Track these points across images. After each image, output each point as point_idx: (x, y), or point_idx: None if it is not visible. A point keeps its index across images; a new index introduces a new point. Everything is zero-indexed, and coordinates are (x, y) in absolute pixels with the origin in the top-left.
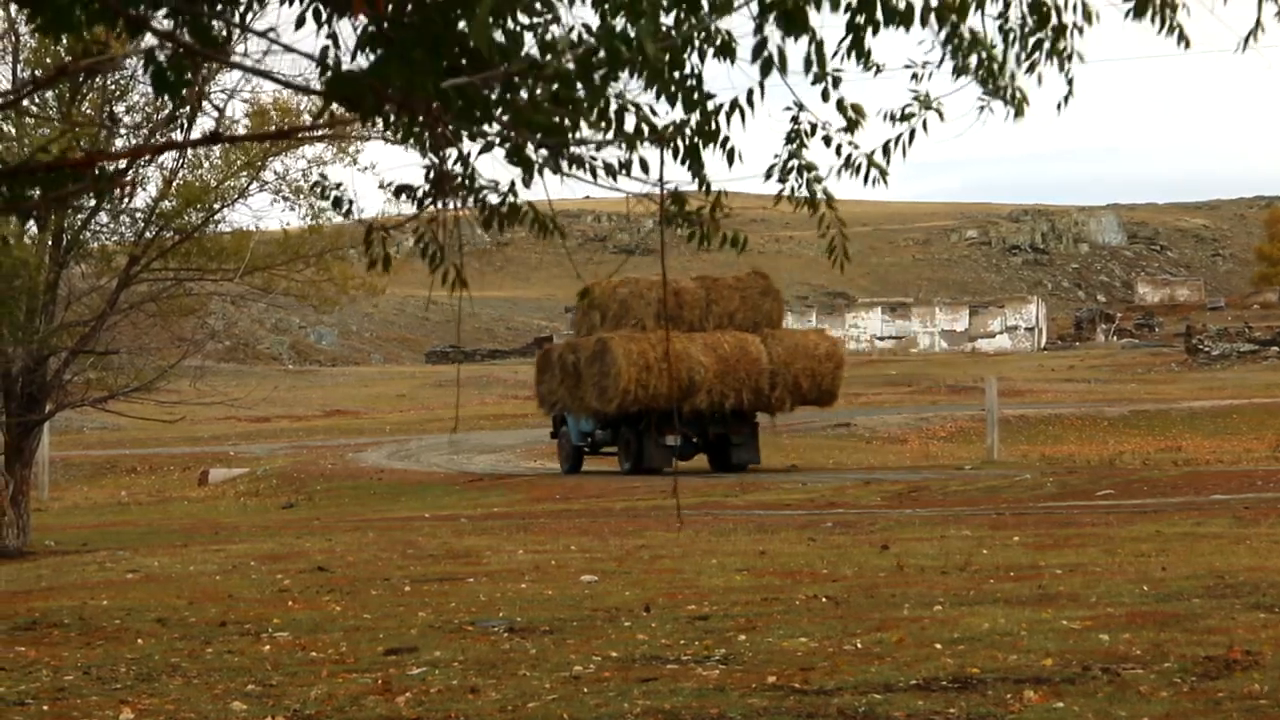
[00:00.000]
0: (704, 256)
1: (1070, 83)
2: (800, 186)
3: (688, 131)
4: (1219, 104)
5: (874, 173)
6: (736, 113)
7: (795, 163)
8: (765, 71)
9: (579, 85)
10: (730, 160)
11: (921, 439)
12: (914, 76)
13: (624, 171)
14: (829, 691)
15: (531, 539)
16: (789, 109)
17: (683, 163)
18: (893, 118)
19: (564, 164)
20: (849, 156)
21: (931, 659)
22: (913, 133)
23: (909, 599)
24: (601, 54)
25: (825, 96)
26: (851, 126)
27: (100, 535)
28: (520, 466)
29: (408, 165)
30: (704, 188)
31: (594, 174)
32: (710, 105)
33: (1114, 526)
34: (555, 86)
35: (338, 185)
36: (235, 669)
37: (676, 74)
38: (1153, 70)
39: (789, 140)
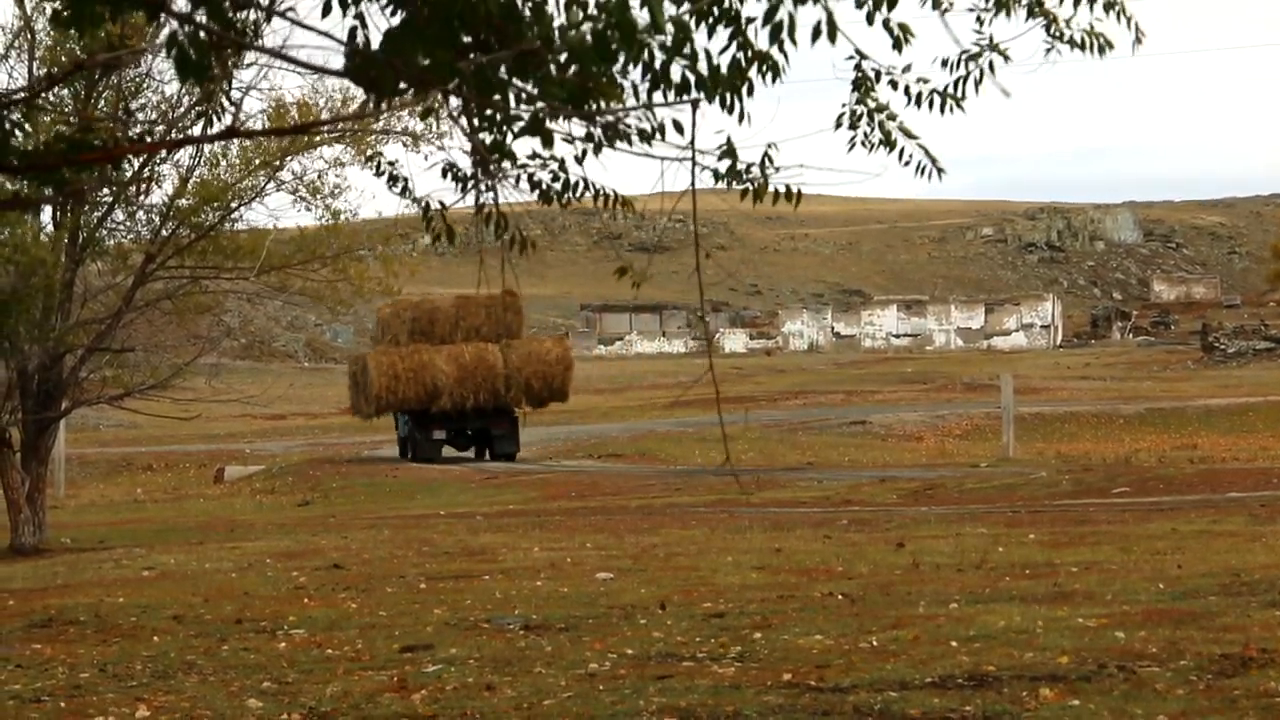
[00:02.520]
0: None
1: (1136, 29)
2: (872, 130)
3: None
4: (1235, 101)
5: (949, 104)
6: (781, 42)
7: (864, 109)
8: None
9: (599, 51)
10: (775, 76)
11: (937, 437)
12: (978, 20)
13: (659, 136)
14: (844, 689)
15: (547, 536)
16: (851, 58)
17: (726, 90)
18: (950, 65)
19: (591, 130)
20: (918, 94)
21: (947, 656)
22: (982, 73)
23: (924, 596)
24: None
25: (870, 20)
26: (898, 44)
27: (116, 533)
28: (536, 463)
29: (431, 166)
30: (741, 119)
31: (628, 140)
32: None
33: (1130, 524)
34: (577, 53)
35: (392, 163)
36: (251, 666)
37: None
38: (1168, 67)
39: (856, 87)
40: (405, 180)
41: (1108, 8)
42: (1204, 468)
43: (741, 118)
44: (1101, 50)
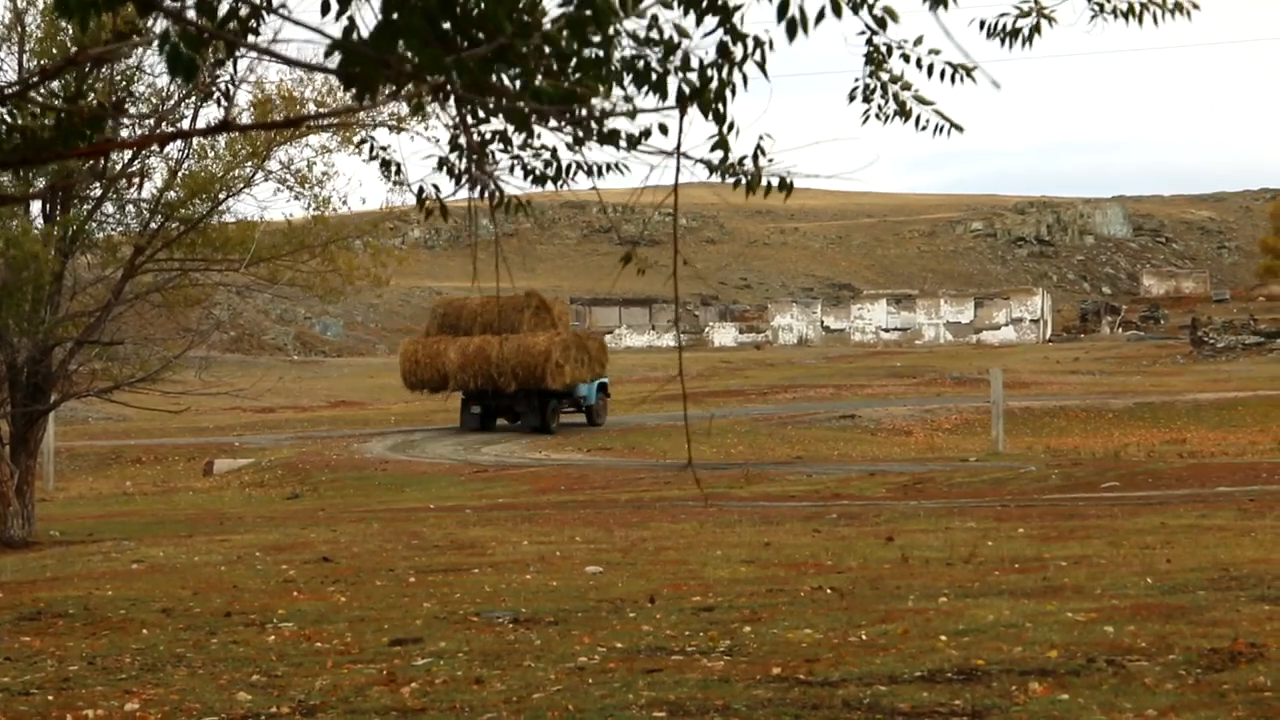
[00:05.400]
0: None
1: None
2: (887, 102)
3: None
4: (1225, 96)
5: (960, 75)
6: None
7: (877, 82)
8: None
9: (573, 43)
10: (763, 62)
11: (926, 431)
12: None
13: (644, 140)
14: (834, 683)
15: (536, 530)
16: (862, 32)
17: (710, 72)
18: (988, 29)
19: (580, 133)
20: (930, 66)
21: (936, 651)
22: (1031, 32)
23: (914, 591)
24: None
25: (855, 9)
26: (882, 24)
27: (105, 526)
28: (526, 457)
29: (418, 155)
30: (722, 122)
31: (614, 143)
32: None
33: (1119, 519)
34: (549, 48)
35: (384, 147)
36: (240, 659)
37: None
38: (1159, 62)
39: (869, 60)
40: (398, 165)
41: None
42: (1193, 462)
43: (720, 121)
44: (1170, 10)
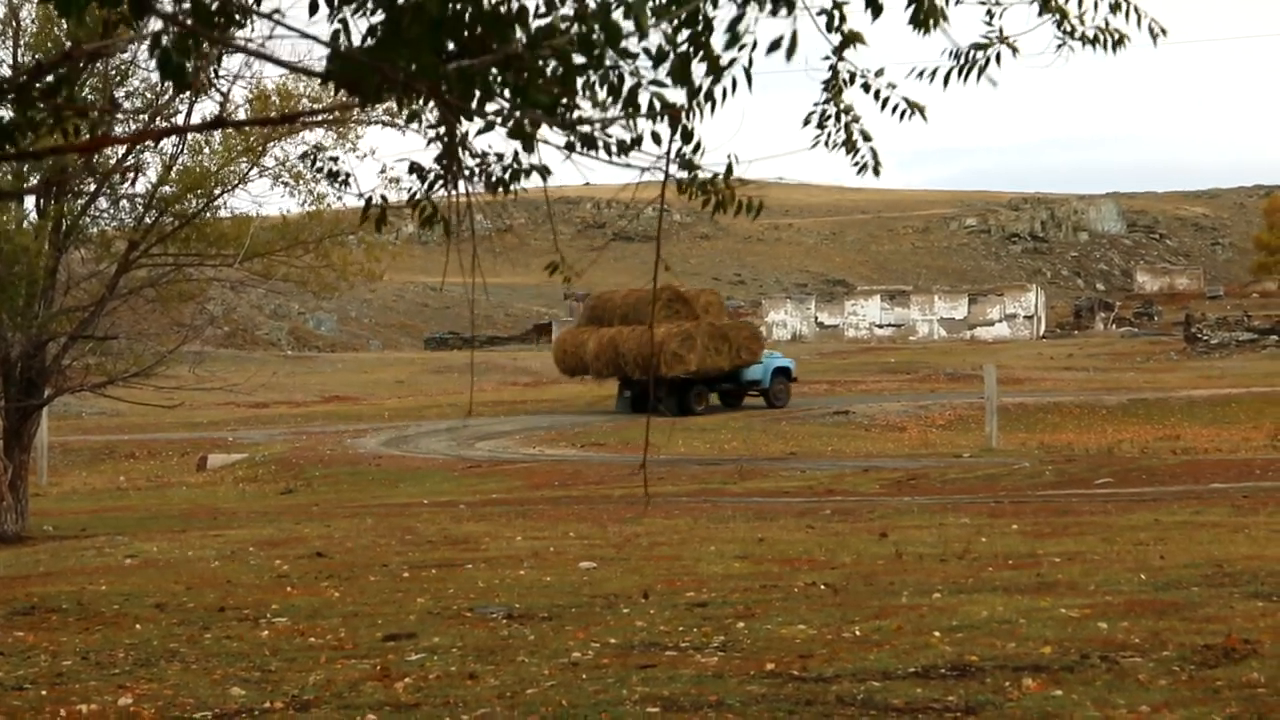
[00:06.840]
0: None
1: (1151, 27)
2: (838, 130)
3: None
4: (1220, 92)
5: (911, 111)
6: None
7: (832, 110)
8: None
9: (580, 56)
10: (731, 82)
11: (920, 427)
12: (989, 13)
13: (635, 147)
14: (827, 679)
15: (530, 526)
16: (827, 58)
17: (670, 75)
18: (957, 55)
19: (571, 140)
20: (886, 99)
21: (930, 647)
22: (987, 61)
23: (907, 587)
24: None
25: (830, 26)
26: (843, 47)
27: (99, 520)
28: (519, 453)
29: (410, 152)
30: (688, 140)
31: (608, 151)
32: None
33: (1112, 515)
34: (556, 63)
35: (334, 158)
36: (234, 654)
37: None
38: (1153, 58)
39: (827, 88)
40: (347, 175)
41: (1115, 8)
42: (1186, 459)
43: (687, 139)
44: (1116, 46)
